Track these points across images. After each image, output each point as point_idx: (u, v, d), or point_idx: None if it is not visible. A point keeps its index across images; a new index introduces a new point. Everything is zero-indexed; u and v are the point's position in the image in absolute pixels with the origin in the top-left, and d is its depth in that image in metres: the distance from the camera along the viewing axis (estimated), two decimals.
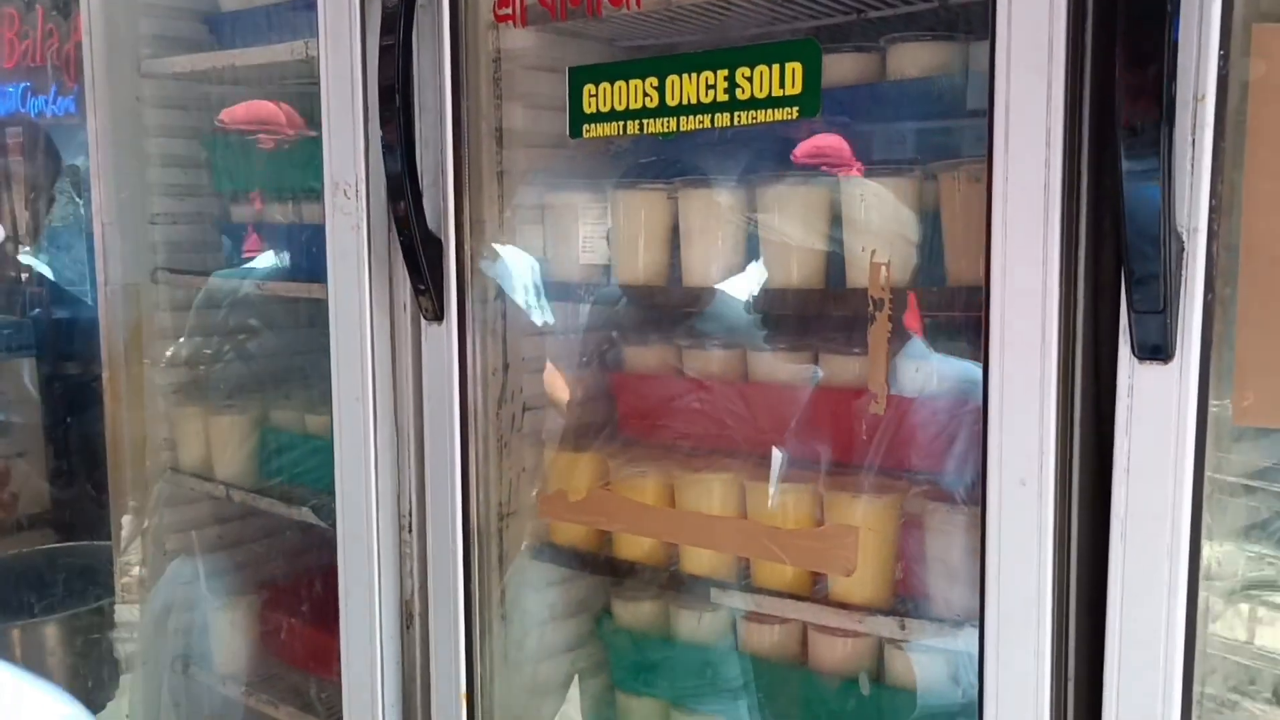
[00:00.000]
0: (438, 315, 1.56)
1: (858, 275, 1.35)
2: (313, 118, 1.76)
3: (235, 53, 1.92)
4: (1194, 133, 0.97)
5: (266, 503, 2.00)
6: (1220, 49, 0.96)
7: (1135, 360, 1.02)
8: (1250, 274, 0.98)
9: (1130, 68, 0.95)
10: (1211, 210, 0.98)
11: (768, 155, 1.44)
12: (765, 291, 1.44)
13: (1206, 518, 1.03)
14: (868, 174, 1.34)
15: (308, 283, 1.83)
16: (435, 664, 1.61)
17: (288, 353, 2.21)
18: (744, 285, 1.48)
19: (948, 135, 1.32)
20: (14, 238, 2.63)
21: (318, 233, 1.66)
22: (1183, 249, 0.99)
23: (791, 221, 1.41)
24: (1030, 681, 1.11)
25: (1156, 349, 1.00)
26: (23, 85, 2.33)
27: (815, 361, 1.51)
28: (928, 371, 1.35)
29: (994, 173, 1.08)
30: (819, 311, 1.49)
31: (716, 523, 1.45)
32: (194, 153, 2.18)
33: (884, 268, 1.23)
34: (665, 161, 1.54)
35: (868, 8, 1.43)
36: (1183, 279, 0.99)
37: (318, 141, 1.62)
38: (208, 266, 2.16)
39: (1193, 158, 0.97)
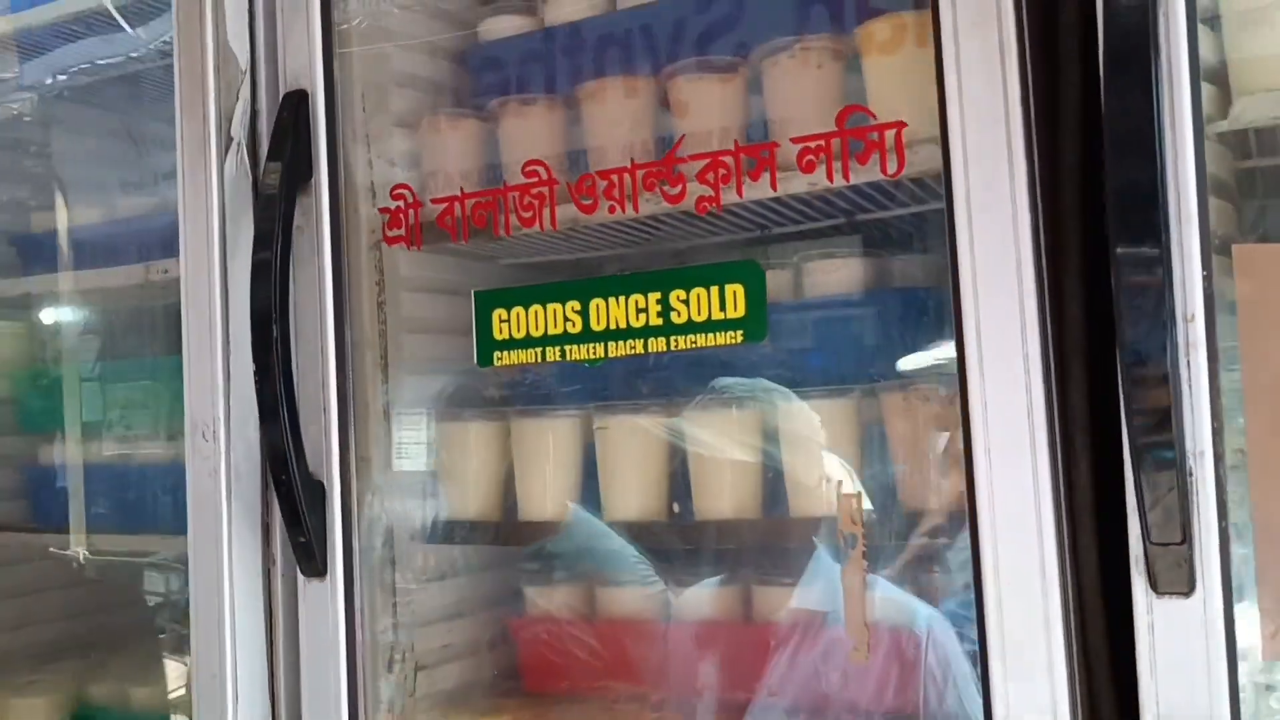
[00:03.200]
0: (320, 571, 1.35)
1: (801, 503, 1.25)
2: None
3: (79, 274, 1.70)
4: (1187, 353, 0.94)
5: None
6: (1203, 269, 0.94)
7: (1153, 595, 0.95)
8: (1263, 496, 0.93)
9: (1129, 289, 0.91)
10: (1214, 432, 0.94)
11: (695, 376, 1.34)
12: (701, 522, 1.31)
13: None
14: (806, 396, 1.26)
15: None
16: None
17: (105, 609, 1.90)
18: (675, 516, 1.35)
19: (892, 353, 1.26)
20: None
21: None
22: (1190, 475, 0.94)
23: (723, 446, 1.30)
24: None
25: (1178, 583, 0.94)
26: None
27: (748, 594, 1.39)
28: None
29: (969, 393, 1.02)
30: (758, 541, 1.37)
31: None
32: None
33: (854, 500, 1.14)
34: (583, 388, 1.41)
35: (801, 218, 1.37)
36: (1193, 506, 0.94)
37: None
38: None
39: (1189, 379, 0.94)
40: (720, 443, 1.31)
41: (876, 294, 1.29)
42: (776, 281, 1.34)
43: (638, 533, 1.35)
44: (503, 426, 1.45)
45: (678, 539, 1.36)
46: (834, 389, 1.26)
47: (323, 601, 1.35)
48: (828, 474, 1.19)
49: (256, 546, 1.41)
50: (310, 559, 1.35)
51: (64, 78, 1.78)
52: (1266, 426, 0.93)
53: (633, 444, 1.35)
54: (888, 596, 1.21)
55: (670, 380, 1.31)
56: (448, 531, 1.46)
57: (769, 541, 1.35)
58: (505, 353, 1.29)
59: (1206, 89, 0.97)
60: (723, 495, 1.30)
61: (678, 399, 1.31)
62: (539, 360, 1.27)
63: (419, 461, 1.48)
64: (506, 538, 1.46)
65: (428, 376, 1.49)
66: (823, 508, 1.20)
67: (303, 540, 1.34)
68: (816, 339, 1.31)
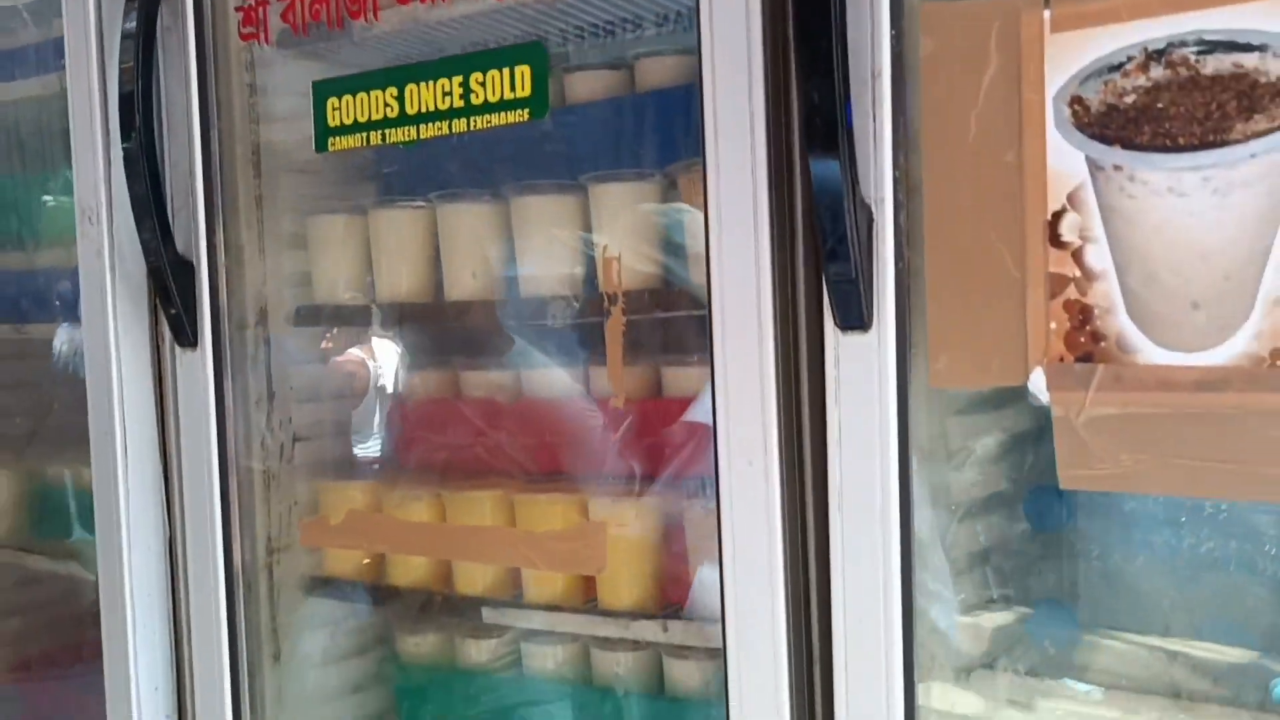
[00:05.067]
0: (191, 341, 1.50)
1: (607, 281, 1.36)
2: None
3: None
4: (873, 108, 1.01)
5: (34, 560, 1.88)
6: (892, 28, 1.01)
7: (838, 331, 1.05)
8: (934, 243, 1.01)
9: (803, 46, 0.99)
10: (896, 182, 1.02)
11: (522, 166, 1.45)
12: (526, 301, 1.43)
13: (916, 485, 1.06)
14: (612, 181, 1.36)
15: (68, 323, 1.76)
16: (198, 711, 1.53)
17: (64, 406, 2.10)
18: (505, 297, 1.47)
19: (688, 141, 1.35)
20: None
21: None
22: (871, 220, 1.02)
23: (544, 230, 1.41)
24: (768, 657, 1.10)
25: (856, 318, 1.03)
26: None
27: (581, 375, 1.51)
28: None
29: (706, 168, 1.11)
30: (578, 318, 1.49)
31: (474, 533, 1.43)
32: None
33: (615, 262, 1.24)
34: (421, 178, 1.53)
35: (611, 24, 1.46)
36: (874, 249, 1.02)
37: None
38: None
39: (874, 132, 1.01)
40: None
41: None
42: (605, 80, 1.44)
43: (473, 311, 1.48)
44: (362, 220, 1.57)
45: (510, 317, 1.48)
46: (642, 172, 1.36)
47: (194, 370, 1.51)
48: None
49: (144, 321, 1.56)
50: (181, 331, 1.50)
51: None
52: (941, 173, 1.01)
53: (473, 229, 1.47)
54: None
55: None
56: (314, 313, 1.60)
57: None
58: (337, 138, 1.40)
59: None
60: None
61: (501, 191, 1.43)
62: (365, 144, 1.38)
63: (291, 251, 1.61)
64: (366, 319, 1.59)
65: (299, 173, 1.61)
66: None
67: (173, 313, 1.49)
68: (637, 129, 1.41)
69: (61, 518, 1.89)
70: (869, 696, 1.05)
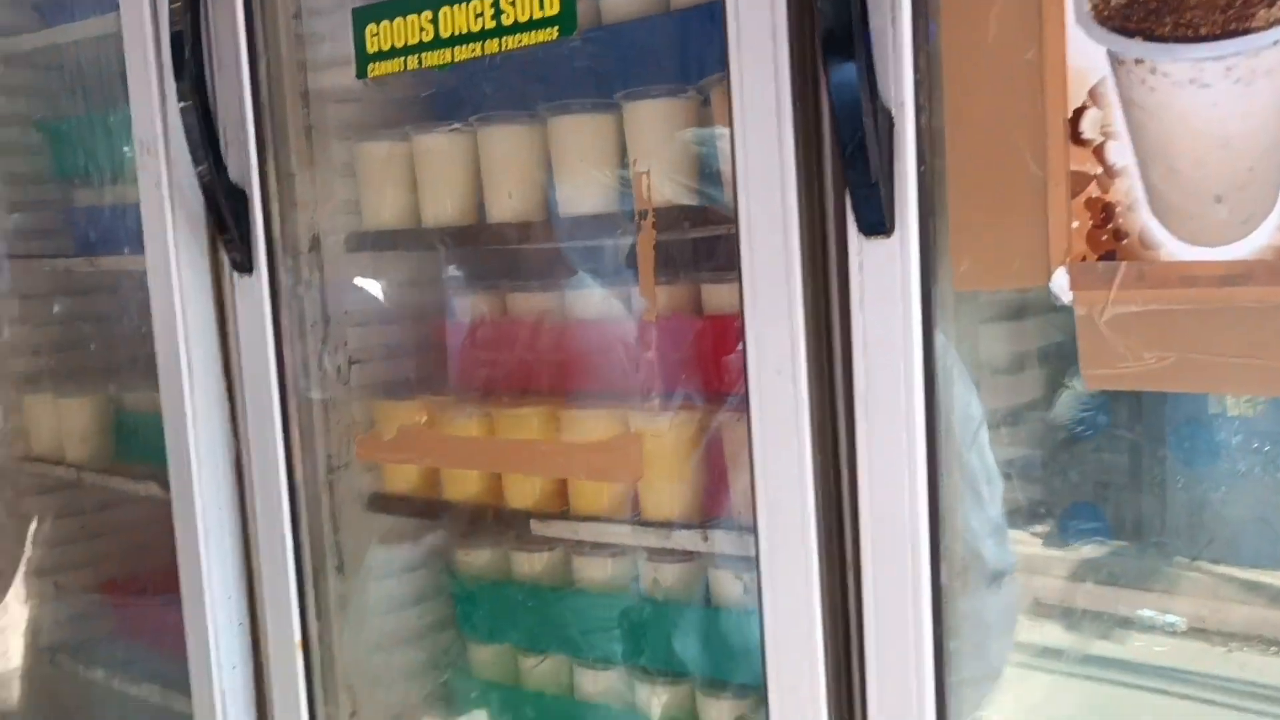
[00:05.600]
0: (247, 267, 1.56)
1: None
2: None
3: (55, 30, 1.91)
4: (892, 10, 1.00)
5: (117, 481, 1.99)
6: None
7: (861, 237, 1.05)
8: (955, 145, 1.01)
9: None
10: (916, 85, 1.01)
11: (558, 87, 1.46)
12: (565, 221, 1.45)
13: (942, 391, 1.06)
14: (645, 99, 1.36)
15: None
16: (268, 617, 1.61)
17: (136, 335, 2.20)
18: (545, 218, 1.49)
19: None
20: None
21: None
22: (892, 124, 1.02)
23: (580, 150, 1.42)
24: (800, 562, 1.12)
25: (878, 223, 1.03)
26: None
27: (624, 295, 1.53)
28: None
29: (731, 79, 1.11)
30: (617, 238, 1.50)
31: (517, 446, 1.47)
32: (32, 139, 2.16)
33: (645, 177, 1.25)
34: (463, 102, 1.55)
35: None
36: (895, 153, 1.02)
37: None
38: (54, 251, 2.15)
39: (892, 35, 1.00)
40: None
41: None
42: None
43: (514, 232, 1.51)
44: (407, 145, 1.60)
45: (550, 238, 1.50)
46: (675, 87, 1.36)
47: (252, 295, 1.57)
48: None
49: (203, 249, 1.62)
50: (238, 258, 1.56)
51: None
52: (961, 75, 0.99)
53: (511, 151, 1.49)
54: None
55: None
56: (364, 239, 1.64)
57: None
58: (377, 64, 1.43)
59: None
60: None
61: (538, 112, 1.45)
62: (403, 68, 1.40)
63: (342, 179, 1.65)
64: (414, 243, 1.63)
65: (346, 102, 1.65)
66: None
67: (229, 240, 1.54)
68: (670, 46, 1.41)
69: (139, 441, 1.98)
70: (896, 602, 1.07)
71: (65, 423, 2.08)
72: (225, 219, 1.53)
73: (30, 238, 2.19)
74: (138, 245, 1.70)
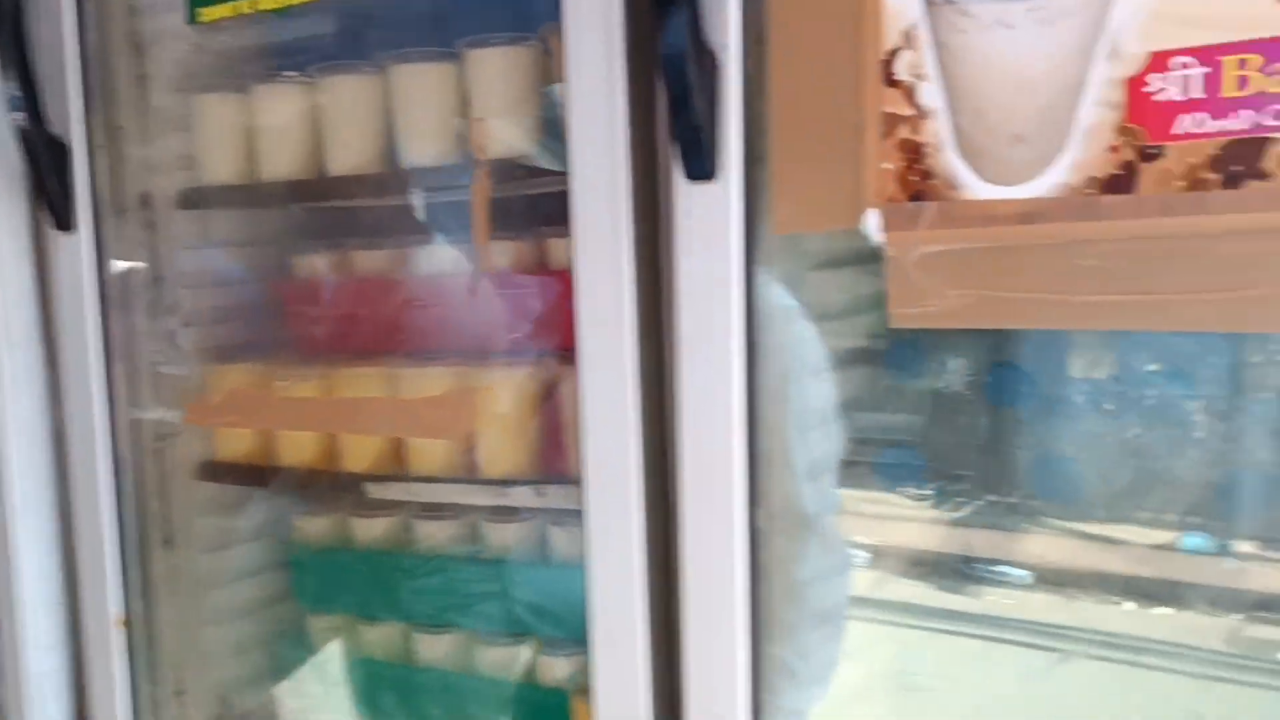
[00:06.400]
0: (68, 225, 1.48)
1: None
2: None
3: None
4: None
5: None
6: None
7: (689, 183, 1.05)
8: (778, 89, 1.02)
9: None
10: (745, 30, 1.02)
11: (400, 34, 1.43)
12: (407, 173, 1.42)
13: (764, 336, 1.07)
14: (485, 46, 1.34)
15: None
16: (86, 594, 1.53)
17: None
18: (387, 170, 1.46)
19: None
20: None
21: None
22: (717, 69, 1.02)
23: (422, 100, 1.40)
24: (623, 510, 1.12)
25: (702, 169, 1.03)
26: None
27: (468, 250, 1.50)
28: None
29: (564, 25, 1.10)
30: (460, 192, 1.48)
31: (349, 405, 1.43)
32: None
33: (481, 125, 1.24)
34: (303, 52, 1.50)
35: None
36: (718, 99, 1.02)
37: None
38: None
39: None
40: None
41: None
42: None
43: (353, 185, 1.47)
44: (245, 98, 1.54)
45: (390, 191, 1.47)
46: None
47: (73, 254, 1.49)
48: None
49: (21, 207, 1.54)
50: (58, 215, 1.48)
51: None
52: (784, 18, 1.01)
53: (353, 101, 1.45)
54: None
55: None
56: (199, 196, 1.58)
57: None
58: (207, 8, 1.38)
59: None
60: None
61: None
62: (235, 13, 1.35)
63: (177, 134, 1.59)
64: (252, 199, 1.58)
65: (181, 53, 1.58)
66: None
67: (47, 196, 1.47)
68: None
69: None
70: (712, 548, 1.07)
71: None
72: (44, 173, 1.45)
73: None
74: None
